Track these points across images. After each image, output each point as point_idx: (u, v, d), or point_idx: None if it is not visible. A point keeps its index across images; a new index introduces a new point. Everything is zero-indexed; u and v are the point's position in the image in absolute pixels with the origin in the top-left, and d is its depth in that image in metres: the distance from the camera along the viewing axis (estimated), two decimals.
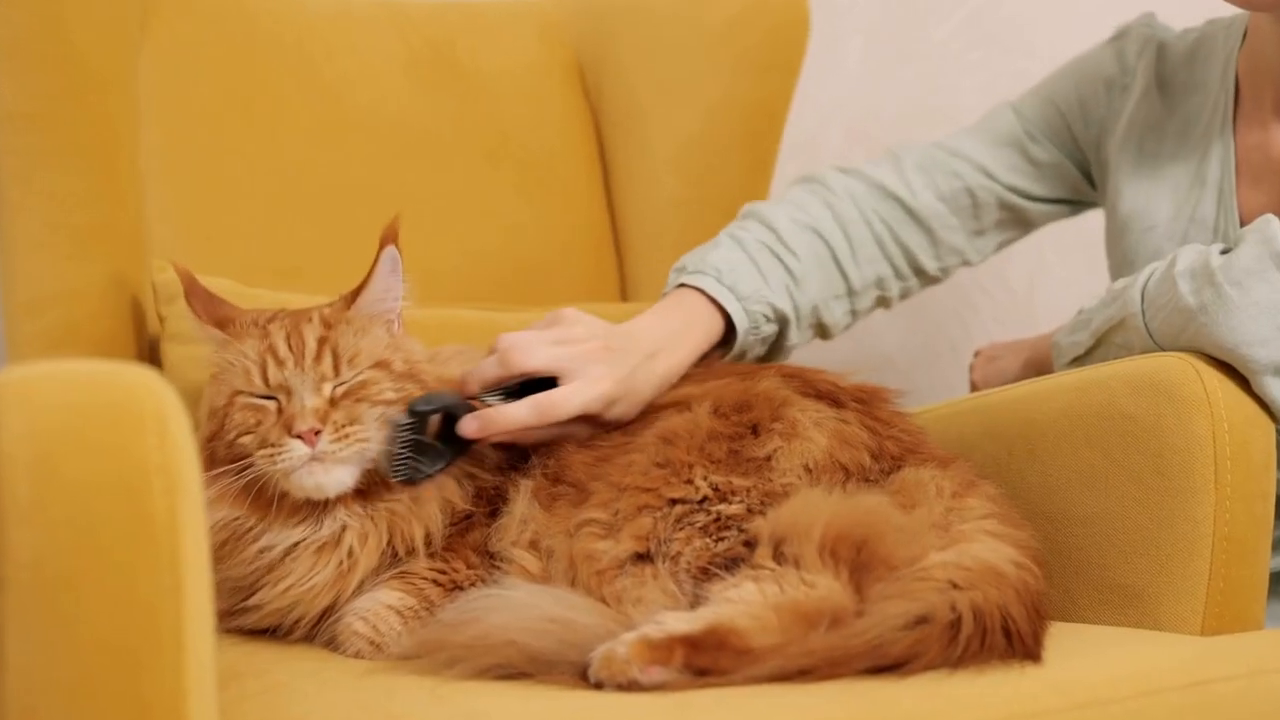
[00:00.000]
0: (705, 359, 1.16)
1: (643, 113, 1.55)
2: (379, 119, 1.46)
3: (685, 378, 1.12)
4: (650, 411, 1.07)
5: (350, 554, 0.98)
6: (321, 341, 1.00)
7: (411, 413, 1.01)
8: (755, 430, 1.00)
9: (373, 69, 1.48)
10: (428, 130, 1.48)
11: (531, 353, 1.04)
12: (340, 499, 0.99)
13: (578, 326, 1.08)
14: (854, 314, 1.33)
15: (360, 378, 1.00)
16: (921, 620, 0.83)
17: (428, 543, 0.99)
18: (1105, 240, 1.39)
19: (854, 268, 1.31)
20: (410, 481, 1.00)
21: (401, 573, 1.00)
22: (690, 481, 0.96)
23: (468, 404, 1.03)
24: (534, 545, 0.99)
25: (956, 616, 0.84)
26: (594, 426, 1.06)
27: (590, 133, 1.60)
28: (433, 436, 1.02)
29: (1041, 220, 1.42)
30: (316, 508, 0.99)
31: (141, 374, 0.71)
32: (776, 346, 1.27)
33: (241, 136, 1.39)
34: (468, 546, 1.02)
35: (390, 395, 1.01)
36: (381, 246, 1.03)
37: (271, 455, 0.96)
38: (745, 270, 1.22)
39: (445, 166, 1.48)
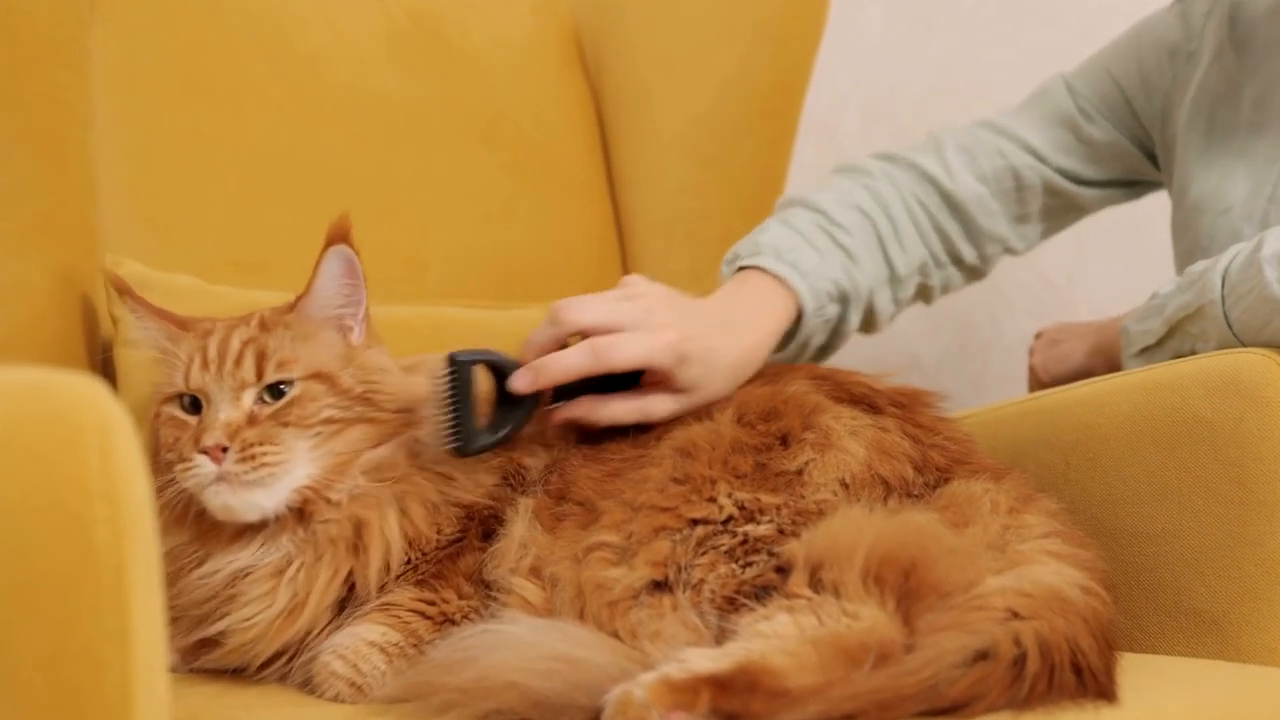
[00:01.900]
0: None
1: (648, 89, 1.54)
2: (358, 98, 1.44)
3: None
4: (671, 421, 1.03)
5: (299, 583, 0.96)
6: (247, 344, 0.99)
7: (451, 362, 0.99)
8: (785, 440, 0.98)
9: (351, 43, 1.46)
10: (411, 110, 1.47)
11: (585, 308, 1.02)
12: (284, 521, 0.97)
13: (641, 285, 1.07)
14: (897, 303, 1.31)
15: (293, 392, 0.98)
16: (981, 656, 0.80)
17: (385, 571, 0.97)
18: (1171, 226, 1.34)
19: (898, 251, 1.30)
20: (462, 452, 0.99)
21: (384, 604, 0.97)
22: (713, 499, 0.93)
23: (516, 361, 1.01)
24: (536, 573, 0.96)
25: (1021, 651, 0.80)
26: (676, 399, 1.03)
27: (590, 111, 1.59)
28: (489, 406, 1.00)
29: (1094, 206, 1.39)
30: (260, 530, 0.97)
31: (83, 383, 0.66)
32: (838, 333, 1.26)
33: (205, 118, 1.36)
34: (459, 574, 0.99)
35: (332, 414, 0.98)
36: (328, 245, 1.00)
37: (185, 470, 0.95)
38: (803, 248, 1.21)
39: (431, 150, 1.47)
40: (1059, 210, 1.37)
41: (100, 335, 1.21)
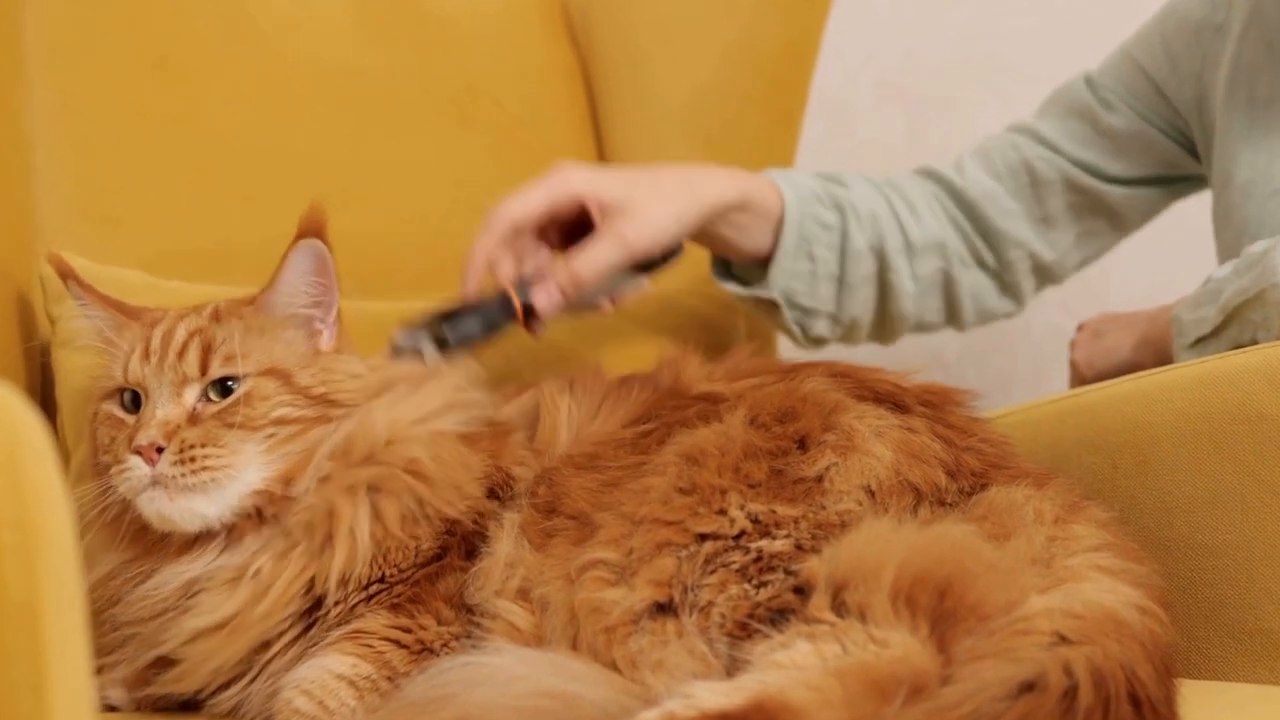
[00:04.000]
0: (738, 350, 1.14)
1: (643, 59, 1.54)
2: (323, 73, 1.45)
3: (710, 376, 1.08)
4: (671, 422, 1.02)
5: (262, 578, 0.95)
6: (193, 335, 0.97)
7: (396, 351, 1.08)
8: (803, 444, 0.96)
9: (315, 13, 1.46)
10: (382, 85, 1.47)
11: (530, 199, 1.18)
12: (243, 526, 0.96)
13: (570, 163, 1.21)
14: (916, 279, 1.35)
15: (242, 389, 0.96)
16: (1028, 688, 0.77)
17: (350, 564, 0.96)
18: (1213, 216, 1.34)
19: (911, 218, 1.34)
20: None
21: (354, 632, 0.95)
22: (723, 511, 0.91)
23: (464, 305, 1.13)
24: (524, 595, 0.95)
25: (1072, 682, 0.77)
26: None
27: (578, 84, 1.59)
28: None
29: (1129, 209, 1.40)
30: (211, 539, 0.96)
31: None
32: (845, 251, 1.32)
33: (155, 97, 1.35)
34: (438, 597, 0.97)
35: (286, 413, 0.97)
36: (298, 237, 1.00)
37: (119, 473, 0.94)
38: (786, 172, 1.32)
39: (403, 129, 1.47)
40: (1086, 210, 1.39)
41: (36, 336, 1.21)
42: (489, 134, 1.50)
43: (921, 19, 1.94)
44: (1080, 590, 0.85)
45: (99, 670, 0.98)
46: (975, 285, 1.37)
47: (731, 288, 1.34)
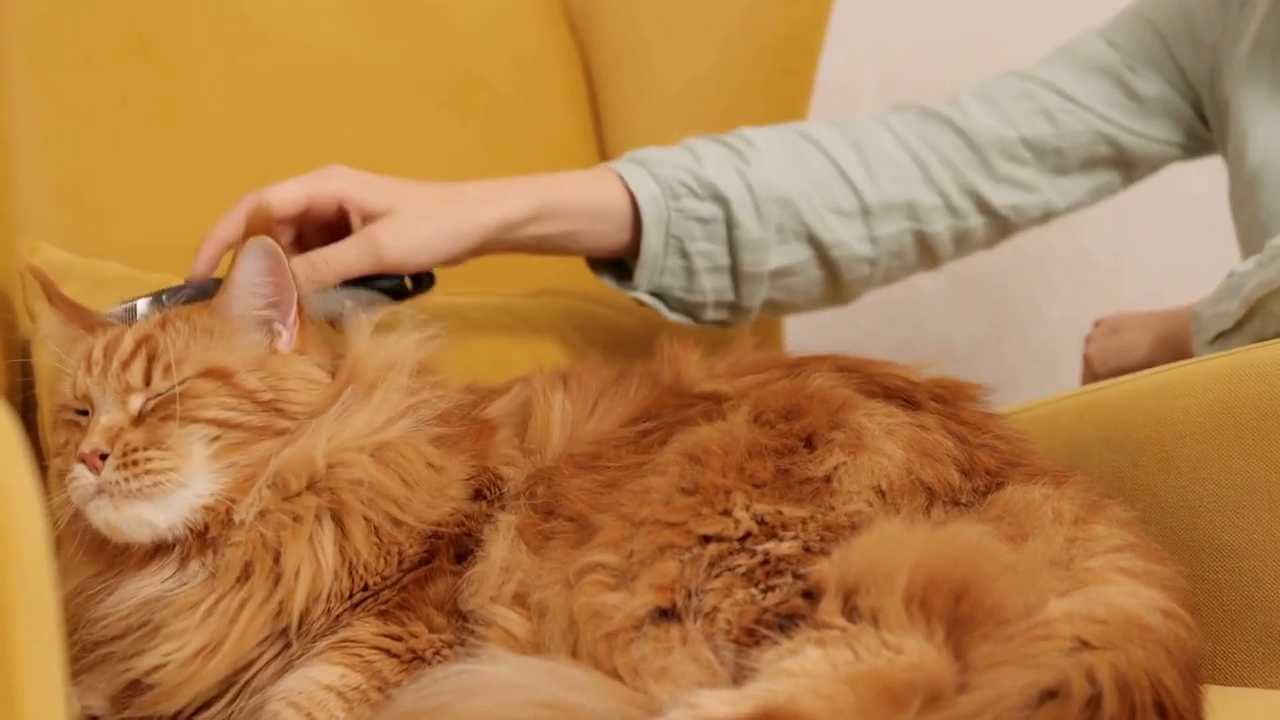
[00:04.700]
0: (739, 345, 1.13)
1: (644, 44, 1.54)
2: (312, 60, 1.44)
3: (712, 372, 1.08)
4: (673, 421, 1.02)
5: (215, 621, 0.94)
6: (140, 344, 0.97)
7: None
8: (810, 442, 0.95)
9: (307, 1, 1.46)
10: (373, 73, 1.47)
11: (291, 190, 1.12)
12: (189, 545, 0.95)
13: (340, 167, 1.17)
14: (874, 241, 1.31)
15: (179, 389, 0.96)
16: (1049, 695, 0.77)
17: (315, 602, 0.95)
18: (1230, 198, 1.33)
19: (868, 182, 1.30)
20: None
21: (342, 641, 0.95)
22: (728, 512, 0.91)
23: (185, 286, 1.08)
24: (520, 601, 0.94)
25: (1095, 690, 0.77)
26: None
27: (578, 73, 1.59)
28: None
29: (1147, 164, 1.38)
30: (170, 553, 0.95)
31: None
32: (733, 241, 1.27)
33: (137, 84, 1.34)
34: (429, 603, 0.97)
35: (224, 415, 0.96)
36: (245, 236, 0.99)
37: (71, 484, 0.94)
38: (668, 154, 1.26)
39: (395, 118, 1.47)
40: (1104, 164, 1.36)
41: (17, 333, 1.19)
42: (483, 123, 1.50)
43: (928, 5, 1.95)
44: (1102, 593, 0.84)
45: (78, 685, 0.97)
46: (965, 232, 1.33)
47: (606, 280, 1.29)
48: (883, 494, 0.92)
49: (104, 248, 1.23)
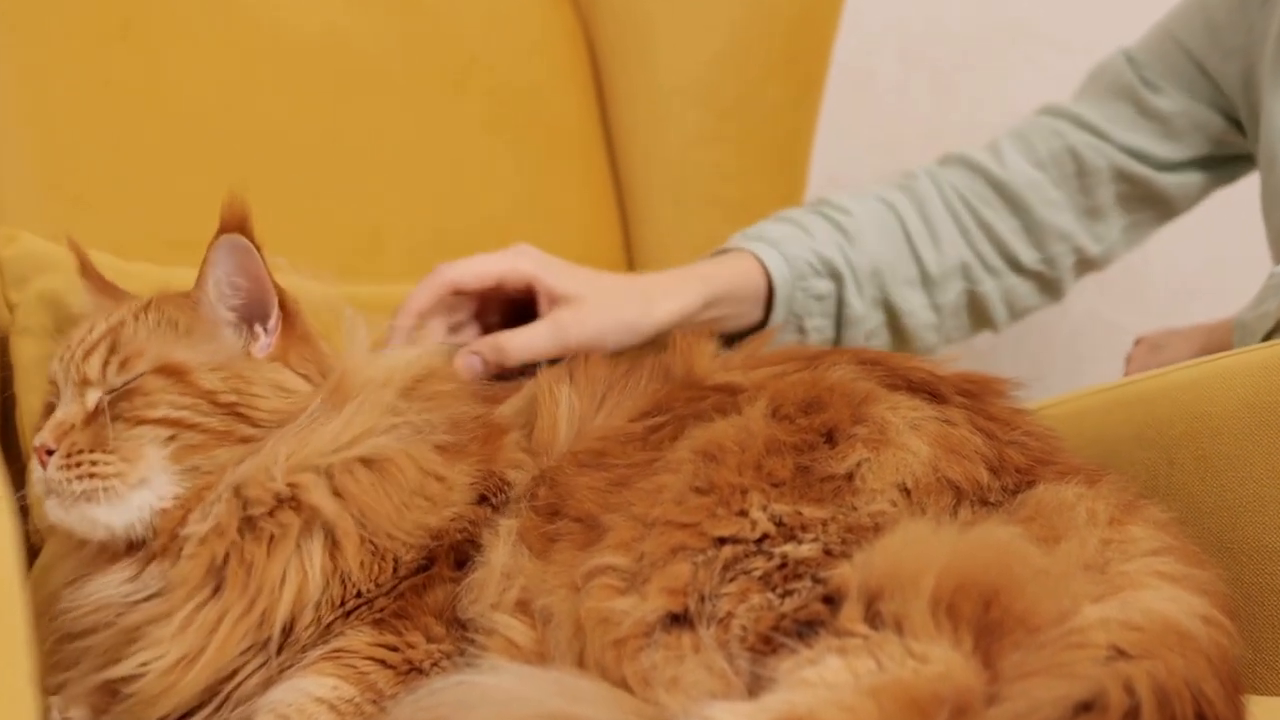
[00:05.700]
0: (756, 337, 1.14)
1: (651, 24, 1.54)
2: (305, 42, 1.43)
3: (726, 364, 1.08)
4: (685, 415, 1.01)
5: (191, 634, 0.93)
6: (105, 335, 0.97)
7: None
8: (830, 438, 0.95)
9: None
10: (369, 56, 1.46)
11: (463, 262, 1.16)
12: (151, 549, 0.95)
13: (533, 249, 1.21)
14: (937, 309, 1.37)
15: (134, 384, 0.95)
16: (1084, 708, 0.76)
17: (300, 610, 0.94)
18: (1261, 200, 1.32)
19: (930, 249, 1.35)
20: None
21: (334, 651, 0.94)
22: (744, 513, 0.90)
23: None
24: (523, 607, 0.94)
25: (1133, 701, 0.76)
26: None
27: (582, 55, 1.60)
28: None
29: (1179, 196, 1.41)
30: (134, 551, 0.95)
31: None
32: (841, 318, 1.33)
33: (123, 68, 1.34)
34: (427, 612, 0.96)
35: (168, 413, 0.94)
36: (217, 234, 0.98)
37: (30, 476, 0.95)
38: (781, 228, 1.32)
39: (393, 103, 1.47)
40: (1135, 201, 1.39)
41: None
42: (485, 108, 1.50)
43: None
44: (1139, 599, 0.84)
45: (60, 688, 0.97)
46: (1008, 291, 1.39)
47: None
48: (908, 493, 0.91)
49: (87, 237, 1.19)
